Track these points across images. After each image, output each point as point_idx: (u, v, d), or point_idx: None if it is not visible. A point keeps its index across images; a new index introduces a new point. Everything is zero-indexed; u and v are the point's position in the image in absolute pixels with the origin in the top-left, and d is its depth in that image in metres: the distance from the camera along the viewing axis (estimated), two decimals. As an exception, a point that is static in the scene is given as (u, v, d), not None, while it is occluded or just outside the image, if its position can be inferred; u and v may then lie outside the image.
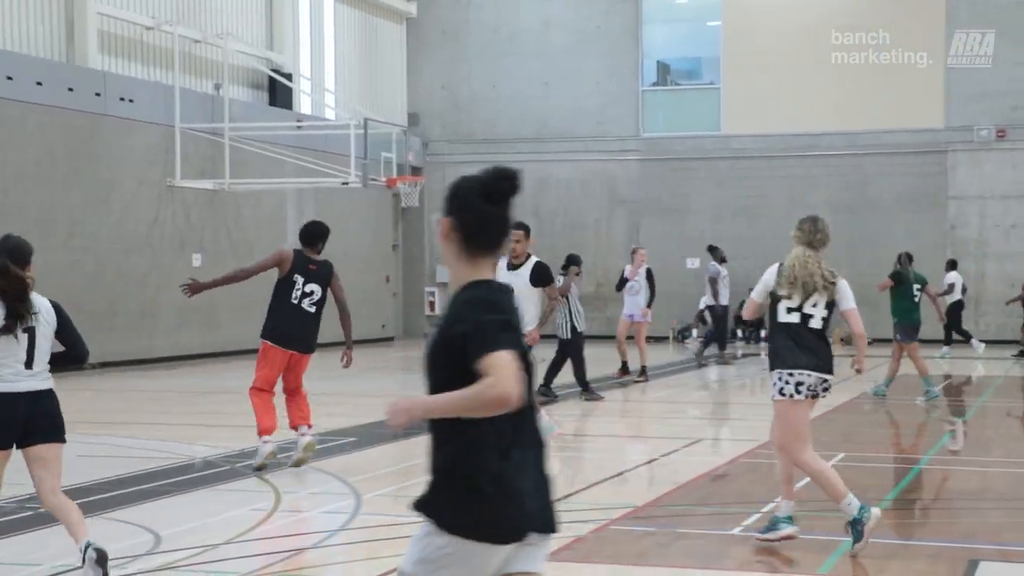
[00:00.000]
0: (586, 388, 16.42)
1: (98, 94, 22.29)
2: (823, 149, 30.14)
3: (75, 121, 21.76)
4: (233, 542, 7.87)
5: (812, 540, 7.95)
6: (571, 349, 16.18)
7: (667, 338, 30.22)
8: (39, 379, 6.79)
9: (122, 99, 22.81)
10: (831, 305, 7.70)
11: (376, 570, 7.06)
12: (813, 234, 7.73)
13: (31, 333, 6.71)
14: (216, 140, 24.86)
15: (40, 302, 6.85)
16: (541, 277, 12.24)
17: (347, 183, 24.67)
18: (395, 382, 21.23)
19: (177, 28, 24.26)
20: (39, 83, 20.98)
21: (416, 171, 30.31)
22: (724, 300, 23.44)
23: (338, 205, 28.89)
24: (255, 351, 24.90)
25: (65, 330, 7.02)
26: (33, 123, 20.93)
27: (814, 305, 7.65)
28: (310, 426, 10.92)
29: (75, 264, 21.78)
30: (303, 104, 28.99)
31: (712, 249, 23.78)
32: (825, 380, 7.68)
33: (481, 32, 32.02)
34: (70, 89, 21.67)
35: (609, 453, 12.40)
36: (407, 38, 32.41)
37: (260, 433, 10.67)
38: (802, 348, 7.59)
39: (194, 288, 10.80)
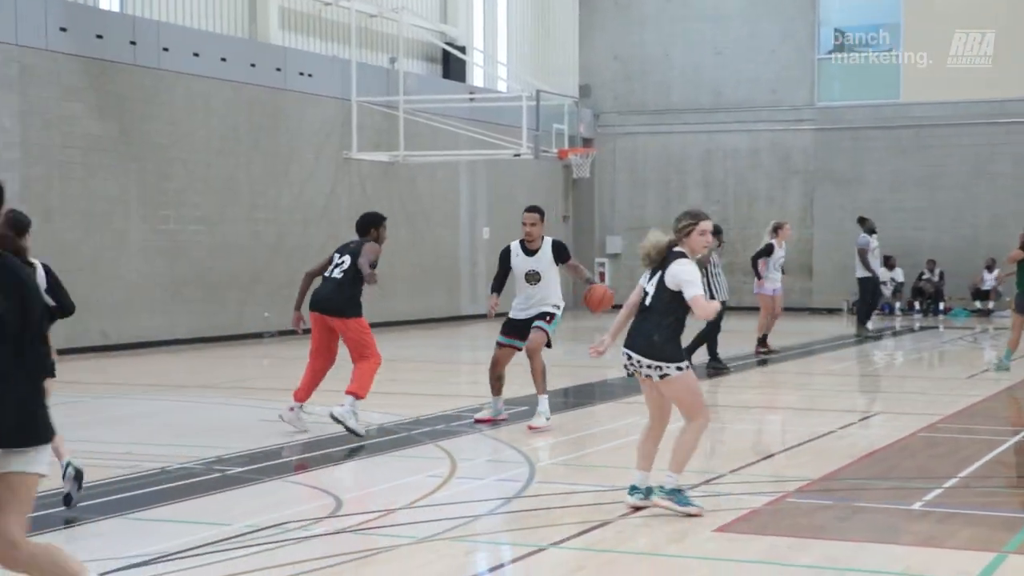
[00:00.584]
0: (714, 357, 16.39)
1: (278, 69, 22.82)
2: (1009, 116, 29.04)
3: (257, 96, 22.33)
4: (411, 507, 8.00)
5: (998, 517, 7.71)
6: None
7: (840, 310, 29.63)
8: None
9: (301, 74, 23.32)
10: (661, 285, 7.73)
11: (549, 537, 7.11)
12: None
13: None
14: (391, 113, 25.22)
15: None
16: (560, 253, 11.86)
17: (519, 155, 24.77)
18: (564, 352, 21.29)
19: (353, 3, 24.65)
20: (223, 59, 21.59)
21: (587, 143, 30.24)
22: (876, 271, 22.82)
23: (509, 177, 29.04)
24: (428, 321, 25.14)
25: (55, 289, 7.99)
26: (218, 99, 21.55)
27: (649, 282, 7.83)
28: (354, 394, 10.75)
29: (257, 235, 22.40)
30: (476, 76, 29.18)
31: (862, 220, 23.12)
32: (633, 358, 7.76)
33: (654, 0, 31.73)
34: (252, 65, 22.25)
35: (784, 425, 12.23)
36: (579, 8, 32.31)
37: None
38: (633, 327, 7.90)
39: (295, 322, 11.72)
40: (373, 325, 24.73)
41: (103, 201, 19.46)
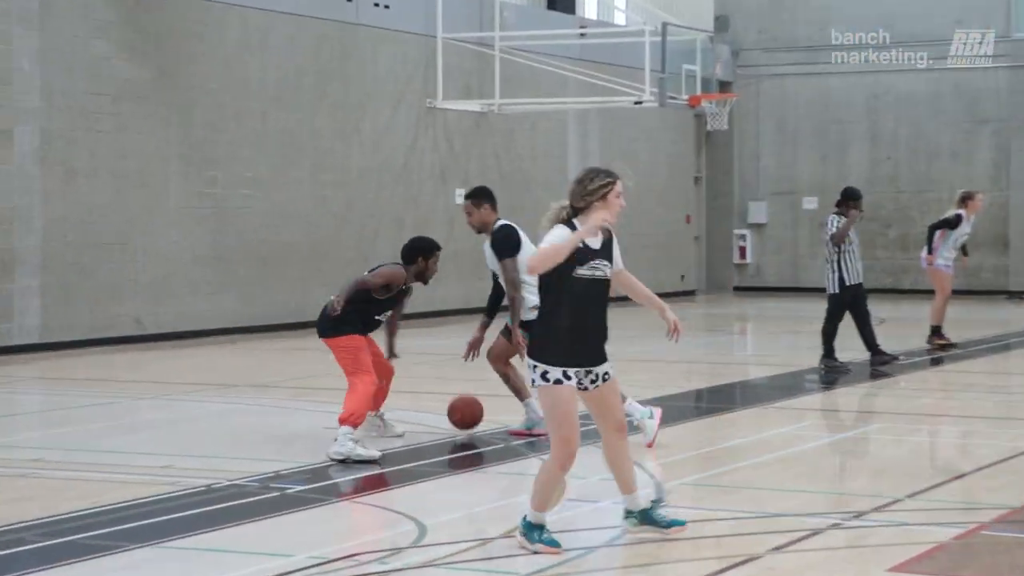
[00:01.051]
0: (828, 355, 16.12)
1: (350, 0, 22.90)
2: None
3: (325, 32, 22.42)
4: (510, 536, 7.94)
5: None
6: (832, 304, 16.00)
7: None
8: None
9: (376, 4, 23.37)
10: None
11: (692, 572, 6.99)
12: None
13: None
14: (484, 53, 25.17)
15: None
16: (495, 246, 11.26)
17: (640, 102, 24.59)
18: (698, 345, 21.10)
19: (439, -82, 24.64)
20: (283, -13, 21.74)
21: (725, 87, 29.92)
22: None
23: (628, 129, 28.85)
24: (470, 311, 25.17)
25: None
26: (278, 35, 21.65)
27: None
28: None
29: (322, 201, 22.51)
30: (588, 7, 29.03)
31: None
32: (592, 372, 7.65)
33: (807, -89, 31.32)
34: (318, -6, 22.37)
35: (974, 439, 11.98)
36: (714, -78, 32.00)
37: None
38: None
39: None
40: (464, 310, 24.80)
41: (137, 158, 19.67)
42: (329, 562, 7.37)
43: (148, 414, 13.12)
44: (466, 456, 10.77)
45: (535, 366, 7.47)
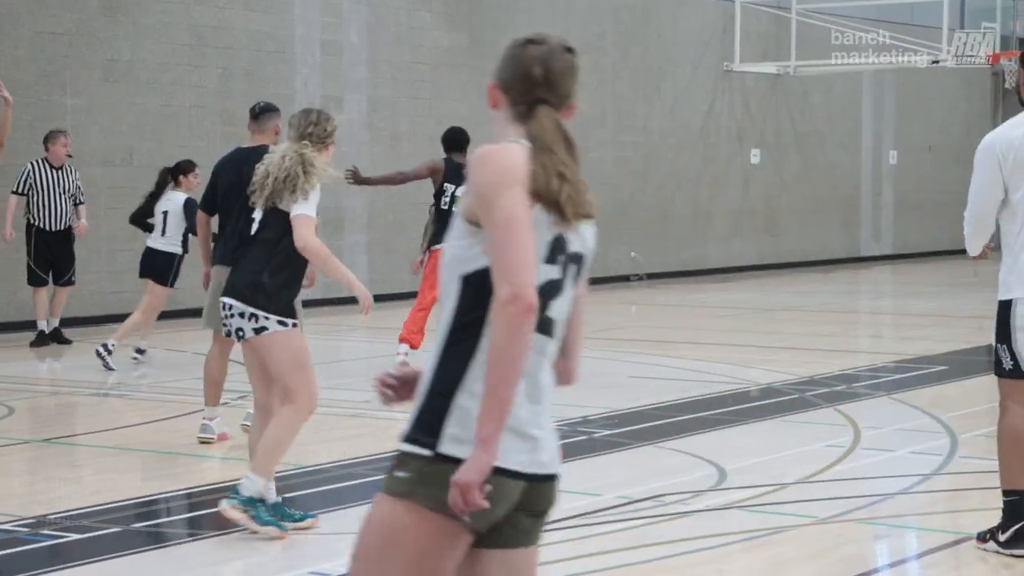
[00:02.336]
0: None
1: (650, -32, 22.94)
2: None
3: (624, 1, 22.54)
4: (807, 481, 7.99)
5: None
6: None
7: None
8: None
9: (676, -28, 23.36)
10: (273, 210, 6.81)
11: (976, 525, 6.93)
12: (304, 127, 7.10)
13: None
14: (781, 15, 24.89)
15: None
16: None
17: (937, 61, 23.94)
18: (989, 302, 20.51)
19: None
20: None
21: None
22: None
23: (924, 89, 28.13)
24: (816, 263, 24.81)
25: None
26: (581, 2, 21.86)
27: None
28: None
29: (623, 161, 22.70)
30: (884, -32, 28.36)
31: None
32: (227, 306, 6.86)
33: None
34: (620, -36, 22.45)
35: None
36: None
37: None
38: None
39: (356, 178, 12.63)
40: (758, 267, 24.52)
41: (452, 122, 20.09)
42: (634, 501, 7.54)
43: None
44: (763, 405, 10.82)
45: (280, 318, 6.79)
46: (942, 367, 12.67)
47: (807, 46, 24.93)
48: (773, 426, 9.91)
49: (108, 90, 16.35)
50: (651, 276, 22.61)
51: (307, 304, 11.44)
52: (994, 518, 6.52)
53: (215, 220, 9.00)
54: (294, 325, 6.82)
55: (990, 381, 12.16)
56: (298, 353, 6.82)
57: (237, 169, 8.45)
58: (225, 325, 6.90)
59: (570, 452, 8.97)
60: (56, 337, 14.35)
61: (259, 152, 8.08)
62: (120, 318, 13.75)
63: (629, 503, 7.53)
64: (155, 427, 9.92)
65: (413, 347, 12.38)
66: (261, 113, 8.86)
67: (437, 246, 12.10)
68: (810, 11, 24.83)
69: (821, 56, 25.12)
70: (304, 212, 6.71)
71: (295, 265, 6.84)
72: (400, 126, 19.55)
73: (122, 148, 16.51)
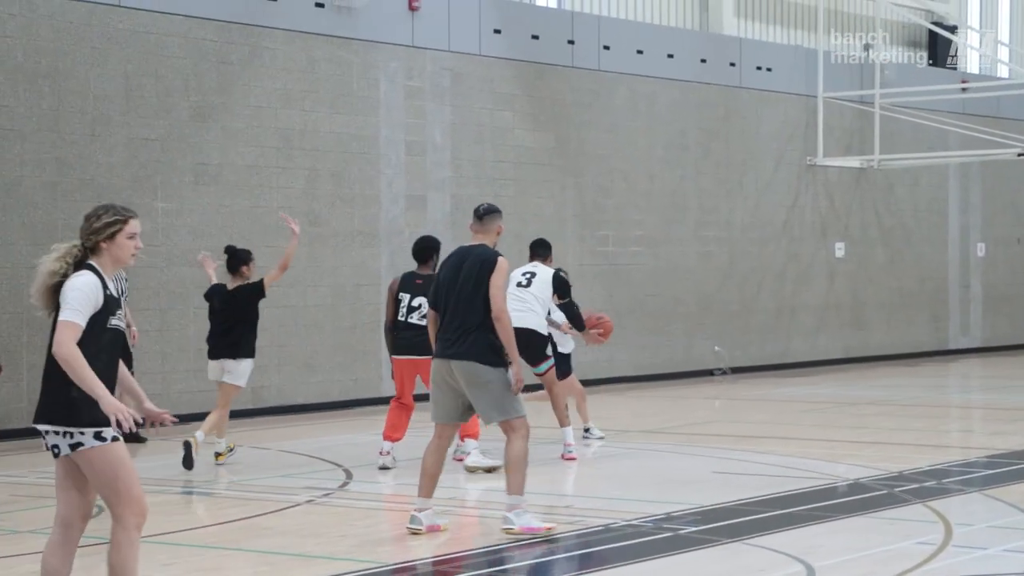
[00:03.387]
0: None
1: (733, 64, 23.05)
2: None
3: (708, 96, 22.65)
4: (897, 580, 7.87)
5: None
6: None
7: None
8: None
9: (759, 68, 23.45)
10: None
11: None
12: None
13: None
14: (864, 110, 24.89)
15: None
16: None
17: (1023, 154, 23.77)
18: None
19: (818, -17, 24.56)
20: (670, 55, 22.06)
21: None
22: None
23: (1011, 180, 27.91)
24: (903, 356, 24.54)
25: None
26: (664, 100, 22.02)
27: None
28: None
29: (706, 256, 22.69)
30: (970, 62, 28.29)
31: None
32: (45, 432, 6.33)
33: None
34: (703, 60, 22.59)
35: None
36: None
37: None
38: None
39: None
40: (844, 360, 24.23)
41: (536, 220, 20.31)
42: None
43: (545, 455, 13.49)
44: (851, 501, 10.68)
45: (96, 431, 6.26)
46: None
47: (891, 140, 24.91)
48: (862, 523, 9.76)
49: (199, 193, 16.61)
50: (735, 370, 22.47)
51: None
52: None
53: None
54: (114, 438, 6.26)
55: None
56: (116, 464, 6.29)
57: (456, 265, 9.30)
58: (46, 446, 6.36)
59: (655, 549, 8.91)
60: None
61: (478, 251, 9.25)
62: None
63: None
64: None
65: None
66: (485, 214, 9.59)
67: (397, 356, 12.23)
68: (895, 105, 24.79)
69: (906, 149, 25.08)
70: (65, 318, 6.22)
71: (99, 368, 6.26)
72: (484, 224, 19.63)
73: (212, 249, 16.73)
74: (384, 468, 12.09)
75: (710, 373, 22.29)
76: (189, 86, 16.56)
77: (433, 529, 9.21)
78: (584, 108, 21.00)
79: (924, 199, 26.66)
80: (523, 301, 12.82)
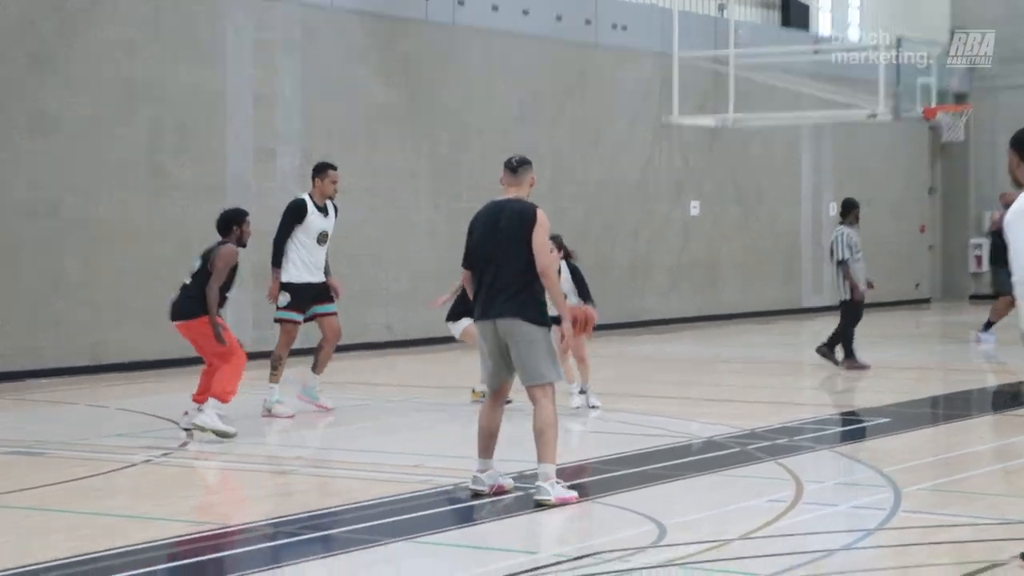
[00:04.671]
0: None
1: (588, 22, 22.91)
2: None
3: (563, 53, 22.48)
4: (748, 537, 7.81)
5: None
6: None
7: None
8: None
9: (614, 26, 23.35)
10: None
11: (925, 581, 6.76)
12: None
13: None
14: (719, 69, 24.93)
15: None
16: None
17: (874, 115, 24.03)
18: (931, 353, 20.52)
19: (675, -60, 24.52)
20: (525, 12, 21.85)
21: (960, 99, 29.13)
22: None
23: (862, 142, 28.28)
24: (757, 314, 24.75)
25: None
26: (519, 57, 21.81)
27: None
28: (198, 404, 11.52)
29: (561, 213, 22.55)
30: (822, 23, 28.53)
31: None
32: None
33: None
34: (558, 18, 22.41)
35: None
36: (948, -64, 31.13)
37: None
38: None
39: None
40: (698, 319, 24.46)
41: (389, 178, 20.02)
42: (572, 559, 7.34)
43: (399, 417, 13.29)
44: (704, 459, 10.65)
45: None
46: (884, 419, 12.55)
47: (746, 100, 24.98)
48: (714, 480, 9.72)
49: (35, 143, 16.05)
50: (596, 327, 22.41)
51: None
52: (938, 574, 6.34)
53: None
54: None
55: (933, 433, 12.10)
56: None
57: (491, 221, 9.03)
58: None
59: (504, 508, 8.75)
60: None
61: (513, 204, 8.91)
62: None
63: (566, 561, 7.33)
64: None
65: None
66: (519, 166, 9.23)
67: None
68: (749, 66, 24.88)
69: (760, 109, 25.20)
70: None
71: None
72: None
73: (46, 201, 16.19)
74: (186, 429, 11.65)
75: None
76: (26, 32, 15.95)
77: (498, 490, 8.93)
78: (438, 64, 20.69)
79: (778, 159, 26.87)
80: None
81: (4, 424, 11.93)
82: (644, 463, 10.34)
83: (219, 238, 11.77)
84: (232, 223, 11.74)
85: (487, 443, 9.02)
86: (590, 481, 9.70)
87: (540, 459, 8.77)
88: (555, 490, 8.68)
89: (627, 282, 23.78)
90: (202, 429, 11.12)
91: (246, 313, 17.72)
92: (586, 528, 8.32)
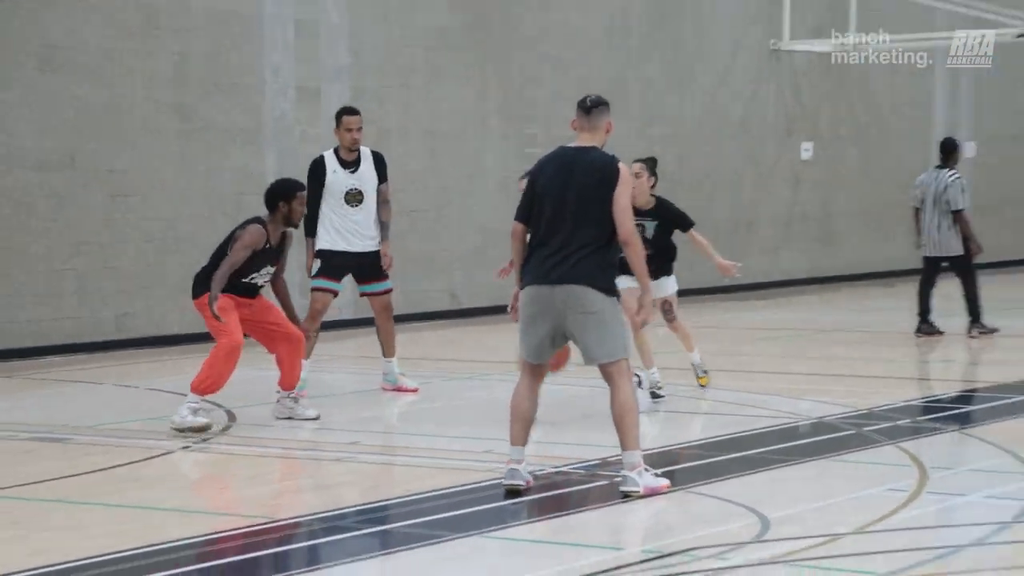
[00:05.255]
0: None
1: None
2: None
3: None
4: (863, 531, 7.99)
5: None
6: None
7: None
8: None
9: (711, -63, 23.43)
10: None
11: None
12: None
13: None
14: (837, -14, 24.96)
15: None
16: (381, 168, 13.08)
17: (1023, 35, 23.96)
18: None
19: None
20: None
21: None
22: None
23: (1009, 68, 28.07)
24: (879, 275, 24.73)
25: None
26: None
27: None
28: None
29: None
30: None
31: None
32: None
33: None
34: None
35: None
36: None
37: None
38: None
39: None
40: (809, 280, 24.32)
41: (452, 116, 20.21)
42: (663, 556, 7.49)
43: (466, 394, 13.53)
44: (813, 443, 10.83)
45: None
46: (1020, 397, 12.66)
47: (869, 20, 24.85)
48: (825, 467, 9.90)
49: (45, 81, 16.40)
50: (680, 293, 22.54)
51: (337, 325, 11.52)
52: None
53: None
54: None
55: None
56: None
57: (562, 173, 8.90)
58: None
59: (588, 499, 9.01)
60: None
61: (590, 154, 8.85)
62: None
63: (655, 558, 7.49)
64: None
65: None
66: (593, 107, 9.20)
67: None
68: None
69: (886, 31, 25.04)
70: None
71: None
72: (396, 119, 19.52)
73: (59, 150, 16.55)
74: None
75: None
76: (33, -46, 16.31)
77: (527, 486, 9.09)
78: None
79: (905, 91, 26.81)
80: None
81: (24, 407, 12.22)
82: (745, 447, 10.54)
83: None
84: (280, 198, 11.37)
85: (524, 429, 9.08)
86: (683, 468, 9.91)
87: (623, 447, 8.92)
88: (643, 479, 8.84)
89: (727, 238, 23.85)
90: (181, 431, 11.11)
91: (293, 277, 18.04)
92: (678, 521, 8.51)
